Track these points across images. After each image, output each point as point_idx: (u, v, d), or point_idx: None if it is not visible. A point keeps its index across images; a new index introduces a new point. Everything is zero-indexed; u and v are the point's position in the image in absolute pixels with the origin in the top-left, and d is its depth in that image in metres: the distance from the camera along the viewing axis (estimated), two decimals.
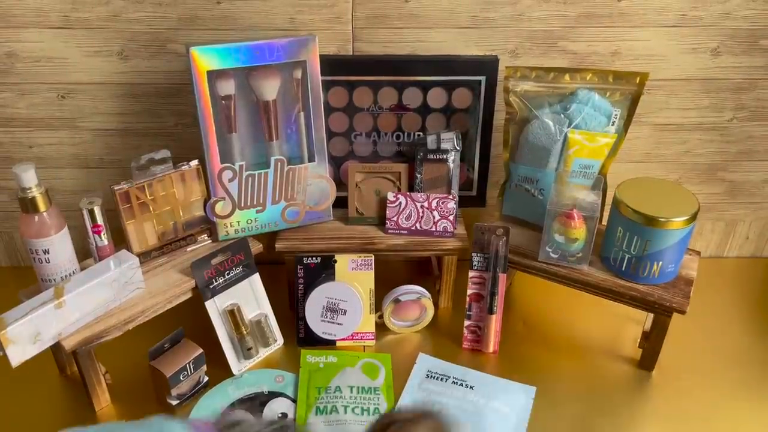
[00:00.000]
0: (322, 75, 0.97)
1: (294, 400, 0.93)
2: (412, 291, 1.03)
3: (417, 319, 1.05)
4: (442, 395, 0.93)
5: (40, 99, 1.04)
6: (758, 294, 1.16)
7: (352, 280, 1.00)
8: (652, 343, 0.97)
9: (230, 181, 0.98)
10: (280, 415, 0.90)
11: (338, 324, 1.00)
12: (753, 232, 1.22)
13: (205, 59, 0.91)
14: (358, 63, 1.02)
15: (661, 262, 0.93)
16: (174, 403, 0.91)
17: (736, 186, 1.17)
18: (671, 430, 0.90)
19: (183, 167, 0.96)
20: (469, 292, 1.00)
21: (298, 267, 1.00)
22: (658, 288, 0.95)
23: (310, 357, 0.99)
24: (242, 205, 1.00)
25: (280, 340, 1.02)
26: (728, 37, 1.03)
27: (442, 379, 0.96)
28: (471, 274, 1.00)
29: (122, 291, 0.90)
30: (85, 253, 0.94)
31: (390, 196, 1.04)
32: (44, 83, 1.03)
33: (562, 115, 0.97)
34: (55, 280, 0.88)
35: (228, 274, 0.96)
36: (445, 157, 1.03)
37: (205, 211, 1.00)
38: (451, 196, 1.03)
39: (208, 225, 1.02)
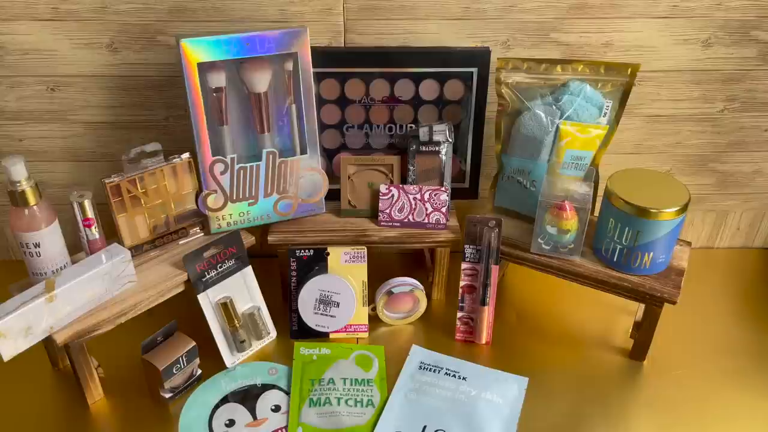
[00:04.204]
0: (313, 67, 0.96)
1: (287, 393, 0.93)
2: (405, 283, 1.03)
3: (410, 311, 1.05)
4: (434, 386, 0.93)
5: (30, 92, 1.03)
6: (748, 284, 1.17)
7: (345, 272, 1.00)
8: (643, 333, 0.98)
9: (222, 173, 0.98)
10: (273, 407, 0.91)
11: (331, 316, 1.00)
12: (743, 222, 1.23)
13: (195, 51, 0.90)
14: (350, 55, 1.02)
15: (652, 253, 0.93)
16: (167, 396, 0.91)
17: (726, 177, 1.18)
18: (662, 419, 0.91)
19: (174, 160, 0.96)
20: (461, 283, 1.01)
21: (291, 259, 1.00)
22: (650, 278, 0.95)
23: (304, 349, 1.00)
24: (234, 197, 1.00)
25: (273, 333, 1.02)
26: (719, 28, 1.03)
27: (434, 370, 0.96)
28: (463, 265, 1.00)
29: (114, 284, 0.90)
30: (76, 247, 0.93)
31: (382, 188, 1.04)
32: (33, 76, 1.02)
33: (554, 107, 0.97)
34: (46, 273, 0.87)
35: (220, 267, 0.96)
36: (437, 149, 1.03)
37: (197, 204, 0.99)
38: (443, 188, 1.03)
39: (200, 218, 1.01)
